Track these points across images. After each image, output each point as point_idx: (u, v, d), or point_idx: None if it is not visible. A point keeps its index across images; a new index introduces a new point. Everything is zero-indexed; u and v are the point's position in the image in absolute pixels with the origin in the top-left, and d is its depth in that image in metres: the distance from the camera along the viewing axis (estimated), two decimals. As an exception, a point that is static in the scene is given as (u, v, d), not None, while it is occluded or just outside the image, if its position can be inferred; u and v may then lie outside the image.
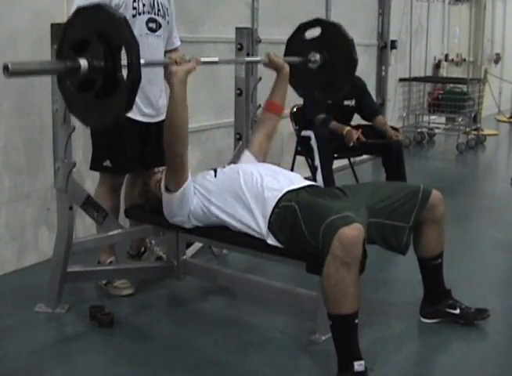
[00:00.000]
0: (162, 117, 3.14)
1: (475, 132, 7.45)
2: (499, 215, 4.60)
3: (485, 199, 5.21)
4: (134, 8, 2.87)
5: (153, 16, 2.96)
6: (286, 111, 4.86)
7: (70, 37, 2.22)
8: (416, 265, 2.73)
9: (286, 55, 3.23)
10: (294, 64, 3.08)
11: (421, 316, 2.77)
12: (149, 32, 2.94)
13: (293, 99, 4.90)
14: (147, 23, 2.93)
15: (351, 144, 4.35)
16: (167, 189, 2.66)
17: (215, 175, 2.70)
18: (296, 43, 3.24)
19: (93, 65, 2.10)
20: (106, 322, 2.67)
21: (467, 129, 7.26)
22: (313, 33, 3.21)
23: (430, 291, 2.75)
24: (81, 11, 2.26)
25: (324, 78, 3.17)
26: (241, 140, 3.40)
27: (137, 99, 2.94)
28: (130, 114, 2.95)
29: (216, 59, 2.78)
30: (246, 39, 3.28)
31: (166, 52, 3.12)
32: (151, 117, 3.06)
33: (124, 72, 2.09)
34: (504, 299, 3.07)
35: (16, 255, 3.34)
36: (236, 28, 3.34)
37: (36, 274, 3.24)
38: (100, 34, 2.10)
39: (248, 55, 3.29)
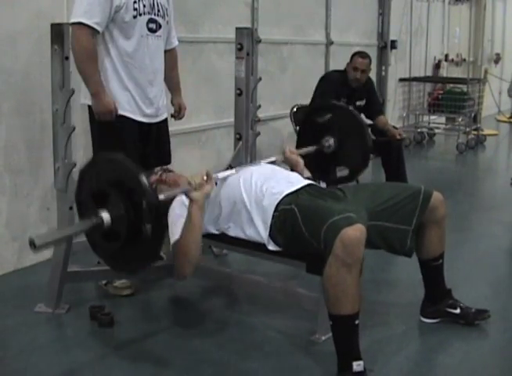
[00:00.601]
0: (162, 117, 3.15)
1: (475, 132, 7.45)
2: (499, 214, 4.60)
3: (485, 199, 5.21)
4: (135, 9, 2.87)
5: (153, 16, 2.96)
6: (287, 111, 4.88)
7: (87, 188, 2.27)
8: (417, 266, 2.73)
9: (298, 139, 3.26)
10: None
11: (421, 315, 2.77)
12: (149, 33, 2.94)
13: (293, 100, 4.92)
14: (147, 23, 2.93)
15: None
16: None
17: (215, 183, 2.68)
18: (308, 127, 3.27)
19: (116, 219, 2.14)
20: (106, 322, 2.67)
21: (467, 129, 7.26)
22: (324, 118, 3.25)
23: (430, 291, 2.75)
24: (97, 160, 2.33)
25: (339, 160, 3.23)
26: (241, 140, 3.40)
27: (138, 99, 2.96)
28: (131, 115, 2.96)
29: (233, 171, 2.70)
30: (246, 39, 3.28)
31: (165, 51, 3.12)
32: (151, 117, 3.06)
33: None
34: (504, 299, 3.07)
35: (16, 255, 3.33)
36: (236, 28, 3.34)
37: (36, 274, 3.24)
38: (120, 187, 2.14)
39: (248, 55, 3.29)
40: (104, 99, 2.80)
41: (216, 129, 4.57)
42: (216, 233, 2.63)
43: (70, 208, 2.75)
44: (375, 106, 4.81)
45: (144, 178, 2.14)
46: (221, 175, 2.62)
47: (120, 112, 2.90)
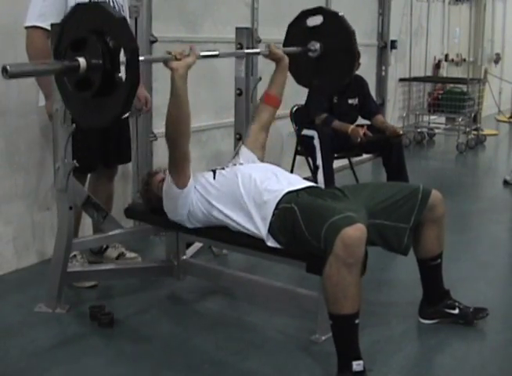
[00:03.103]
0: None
1: (475, 132, 7.44)
2: (499, 214, 4.60)
3: (485, 199, 5.21)
4: None
5: None
6: (286, 111, 4.88)
7: (67, 35, 2.22)
8: (416, 266, 2.73)
9: (286, 40, 3.24)
10: (294, 54, 3.08)
11: (420, 316, 2.76)
12: None
13: (292, 100, 4.92)
14: None
15: (359, 140, 4.36)
16: (178, 186, 2.63)
17: (214, 177, 2.69)
18: (297, 29, 3.23)
19: (92, 64, 2.09)
20: (106, 322, 2.68)
21: (467, 129, 7.25)
22: (315, 21, 3.20)
23: (429, 291, 2.75)
24: (78, 9, 2.26)
25: (324, 67, 3.17)
26: (241, 140, 3.40)
27: None
28: None
29: (216, 52, 2.76)
30: (246, 39, 3.28)
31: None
32: None
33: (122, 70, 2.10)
34: (503, 299, 3.07)
35: (16, 255, 3.33)
36: (236, 28, 3.34)
37: (36, 274, 3.24)
38: (99, 33, 2.10)
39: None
40: None
41: (216, 129, 4.57)
42: (217, 225, 2.64)
43: (70, 208, 2.75)
44: (371, 107, 4.82)
45: (125, 23, 2.10)
46: (203, 52, 2.66)
47: None
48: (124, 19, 2.13)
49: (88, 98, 2.17)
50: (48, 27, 2.73)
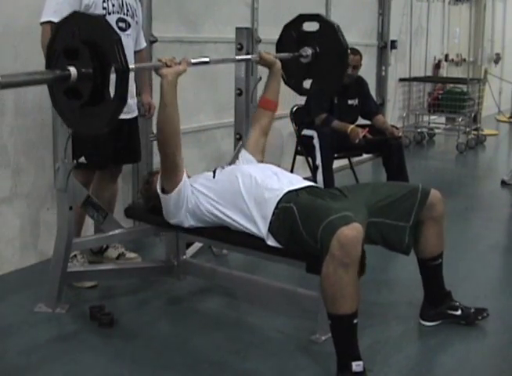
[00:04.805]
0: (134, 114, 3.22)
1: (475, 132, 7.45)
2: (499, 214, 4.60)
3: (485, 199, 5.21)
4: (104, 8, 2.96)
5: (122, 16, 3.06)
6: (286, 111, 4.88)
7: (62, 39, 2.25)
8: (417, 266, 2.73)
9: (279, 40, 3.24)
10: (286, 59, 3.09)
11: (422, 319, 2.75)
12: (119, 31, 3.00)
13: (293, 100, 4.92)
14: (117, 22, 3.02)
15: (357, 141, 4.37)
16: (164, 191, 2.66)
17: (214, 176, 2.70)
18: (292, 32, 3.23)
19: (82, 75, 2.13)
20: (106, 322, 2.68)
21: (467, 129, 7.26)
22: (310, 26, 3.21)
23: (430, 292, 2.74)
24: (76, 16, 2.29)
25: (314, 73, 3.18)
26: (241, 140, 3.40)
27: None
28: None
29: (207, 59, 2.76)
30: (246, 39, 3.28)
31: (134, 52, 3.19)
32: (123, 113, 3.09)
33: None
34: (504, 299, 3.07)
35: (16, 255, 3.33)
36: (236, 28, 3.35)
37: (36, 274, 3.24)
38: (93, 46, 2.13)
39: (248, 55, 3.29)
40: None
41: (216, 129, 4.57)
42: (219, 224, 2.63)
43: (70, 208, 2.75)
44: (371, 107, 4.82)
45: (118, 43, 2.12)
46: (194, 60, 2.66)
47: None
48: (120, 40, 2.15)
49: (77, 107, 2.20)
50: None
